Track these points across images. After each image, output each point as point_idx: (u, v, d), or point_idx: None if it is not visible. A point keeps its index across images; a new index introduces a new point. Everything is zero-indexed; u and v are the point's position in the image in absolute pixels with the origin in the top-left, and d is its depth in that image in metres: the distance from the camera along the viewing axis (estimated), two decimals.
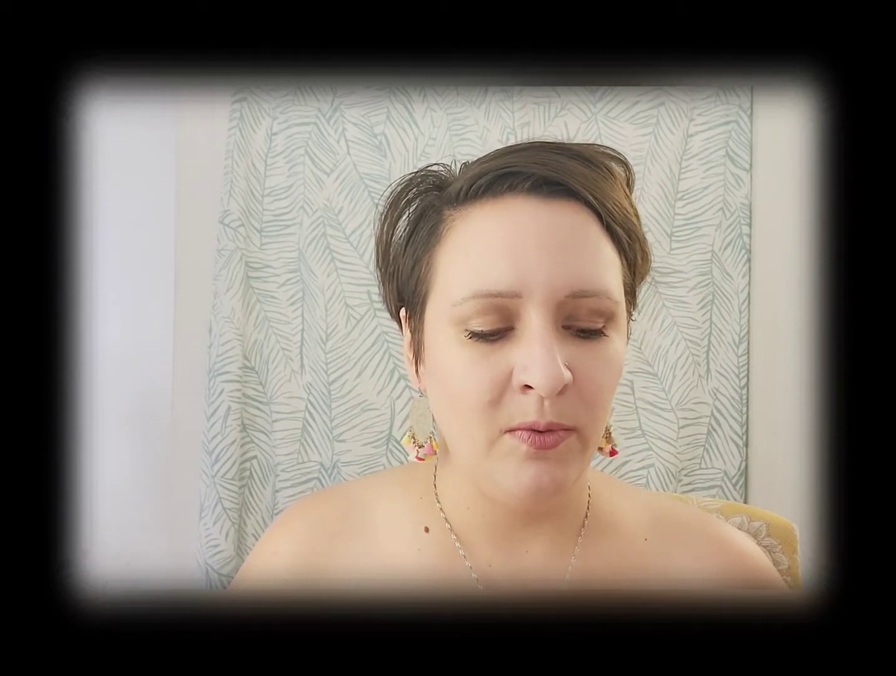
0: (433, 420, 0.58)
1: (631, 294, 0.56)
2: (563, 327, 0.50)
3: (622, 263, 0.53)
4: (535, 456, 0.49)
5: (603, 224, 0.52)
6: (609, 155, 0.55)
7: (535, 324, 0.49)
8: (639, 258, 0.55)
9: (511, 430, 0.49)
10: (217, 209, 1.17)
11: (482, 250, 0.50)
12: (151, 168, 1.19)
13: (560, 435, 0.49)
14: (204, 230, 1.18)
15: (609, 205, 0.52)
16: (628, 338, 0.57)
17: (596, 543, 0.58)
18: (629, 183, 0.56)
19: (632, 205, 0.55)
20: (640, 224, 0.56)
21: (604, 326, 0.51)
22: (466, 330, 0.50)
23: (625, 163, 0.56)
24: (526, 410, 0.49)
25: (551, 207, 0.51)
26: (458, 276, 0.51)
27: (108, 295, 1.19)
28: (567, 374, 0.48)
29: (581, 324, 0.50)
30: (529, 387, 0.48)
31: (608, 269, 0.51)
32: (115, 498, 1.18)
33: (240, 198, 1.16)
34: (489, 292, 0.49)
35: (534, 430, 0.49)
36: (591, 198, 0.51)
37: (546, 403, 0.48)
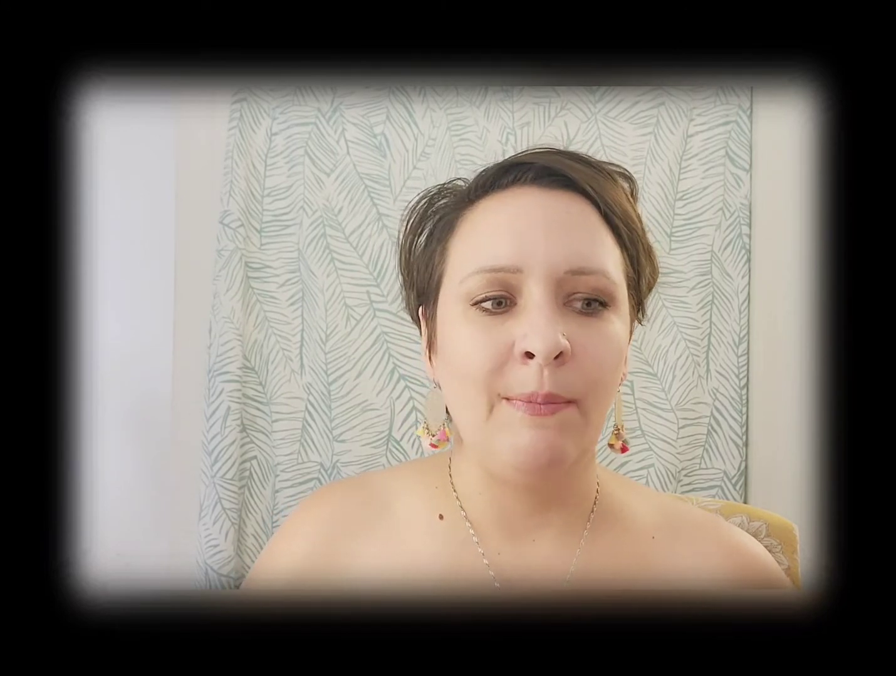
0: (445, 410, 0.61)
1: (635, 289, 0.58)
2: (564, 305, 0.53)
3: (623, 255, 0.56)
4: (531, 424, 0.51)
5: (602, 214, 0.55)
6: (614, 169, 0.59)
7: (535, 297, 0.52)
8: (643, 259, 0.58)
9: (509, 398, 0.52)
10: (217, 209, 1.17)
11: (487, 232, 0.55)
12: (151, 168, 1.19)
13: (559, 404, 0.51)
14: (204, 230, 1.18)
15: (608, 199, 0.55)
16: (632, 331, 0.59)
17: (602, 537, 0.59)
18: (633, 193, 0.60)
19: (635, 210, 0.58)
20: (643, 231, 0.58)
21: (604, 305, 0.53)
22: (472, 303, 0.53)
23: (629, 178, 0.60)
24: (525, 380, 0.51)
25: (552, 195, 0.55)
26: (467, 256, 0.55)
27: (108, 295, 1.19)
28: (564, 342, 0.50)
29: (581, 299, 0.53)
30: (529, 356, 0.51)
31: (606, 253, 0.54)
32: (116, 498, 1.18)
33: (240, 199, 1.16)
34: (492, 267, 0.53)
35: (531, 401, 0.51)
36: (590, 189, 0.55)
37: (545, 373, 0.50)
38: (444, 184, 0.61)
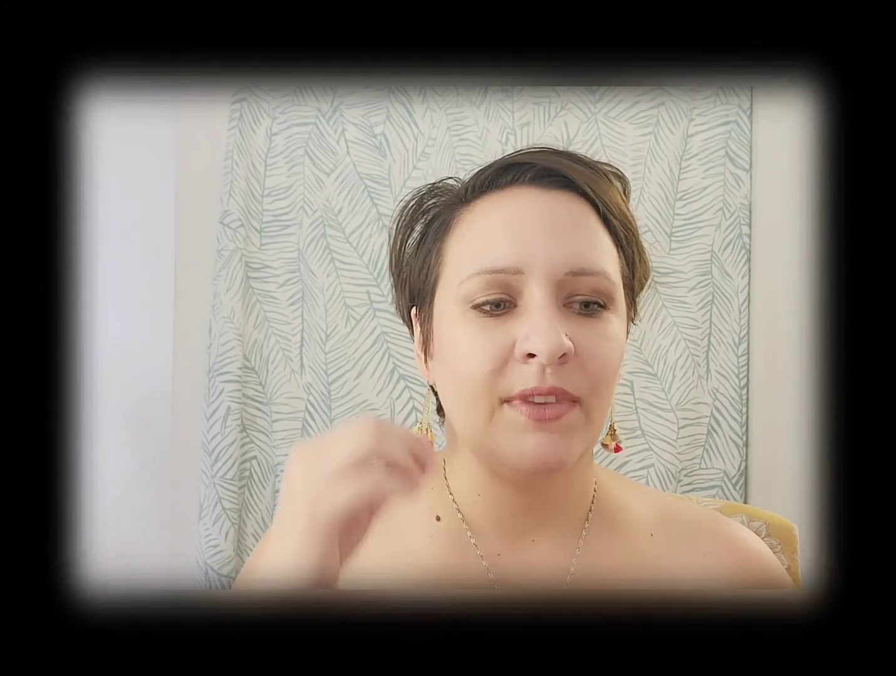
0: (436, 411, 0.61)
1: (629, 288, 0.58)
2: (564, 306, 0.52)
3: (619, 256, 0.56)
4: (535, 427, 0.51)
5: (600, 215, 0.55)
6: (607, 169, 0.59)
7: (536, 298, 0.51)
8: (637, 260, 0.58)
9: (511, 400, 0.51)
10: (217, 209, 1.17)
11: (487, 232, 0.54)
12: (151, 168, 1.19)
13: (563, 407, 0.51)
14: (204, 230, 1.18)
15: (605, 199, 0.55)
16: (628, 331, 0.59)
17: (600, 537, 0.59)
18: (625, 192, 0.59)
19: (629, 211, 0.58)
20: (637, 232, 0.58)
21: (603, 306, 0.53)
22: (472, 305, 0.53)
23: (621, 177, 0.59)
24: (527, 379, 0.51)
25: (551, 195, 0.54)
26: (465, 257, 0.54)
27: (108, 295, 1.18)
28: (568, 343, 0.50)
29: (581, 301, 0.53)
30: (531, 356, 0.50)
31: (605, 254, 0.54)
32: (116, 497, 1.18)
33: (240, 199, 1.16)
34: (493, 268, 0.52)
35: (534, 402, 0.50)
36: (588, 190, 0.54)
37: (548, 371, 0.50)
38: (435, 183, 0.60)
